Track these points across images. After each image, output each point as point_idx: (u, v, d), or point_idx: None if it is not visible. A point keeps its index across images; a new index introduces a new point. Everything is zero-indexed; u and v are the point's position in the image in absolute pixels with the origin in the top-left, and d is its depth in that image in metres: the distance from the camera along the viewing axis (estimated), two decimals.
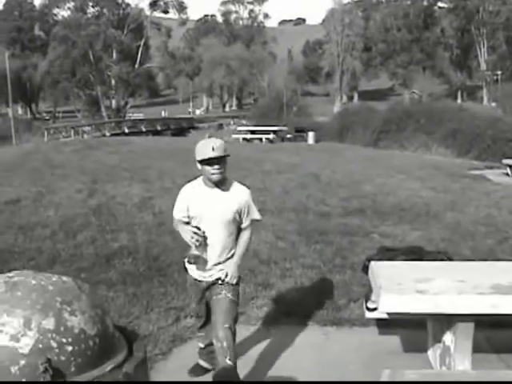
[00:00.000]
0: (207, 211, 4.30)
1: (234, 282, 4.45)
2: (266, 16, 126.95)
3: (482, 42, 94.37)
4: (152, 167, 16.12)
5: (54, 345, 1.85)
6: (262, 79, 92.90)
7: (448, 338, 4.10)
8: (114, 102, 62.85)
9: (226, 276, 4.44)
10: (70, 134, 45.56)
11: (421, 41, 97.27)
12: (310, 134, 36.66)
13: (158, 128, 56.83)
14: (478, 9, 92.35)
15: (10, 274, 2.04)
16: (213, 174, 4.17)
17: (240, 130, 43.75)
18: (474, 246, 8.31)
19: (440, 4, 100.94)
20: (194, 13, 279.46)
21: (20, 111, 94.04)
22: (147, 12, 79.63)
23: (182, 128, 59.88)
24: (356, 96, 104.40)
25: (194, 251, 4.33)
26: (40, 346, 1.84)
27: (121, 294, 6.46)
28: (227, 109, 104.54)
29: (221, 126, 63.35)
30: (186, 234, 4.30)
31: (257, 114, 56.35)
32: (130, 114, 69.81)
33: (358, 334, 5.63)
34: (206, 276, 4.50)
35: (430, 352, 4.67)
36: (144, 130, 53.95)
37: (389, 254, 4.89)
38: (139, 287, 6.68)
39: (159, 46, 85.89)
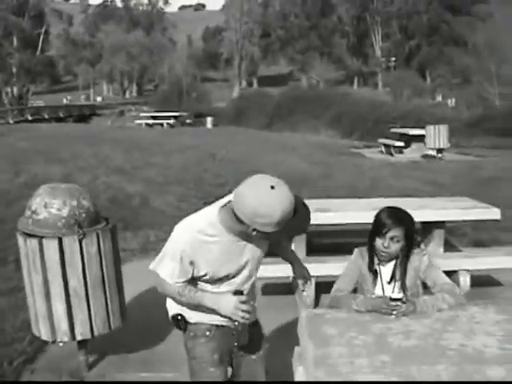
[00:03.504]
0: (244, 268, 2.88)
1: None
2: (166, 2, 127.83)
3: (376, 29, 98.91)
4: (62, 150, 17.49)
5: (77, 212, 3.99)
6: (162, 65, 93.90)
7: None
8: (15, 89, 62.96)
9: (306, 280, 3.20)
10: None
11: (318, 27, 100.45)
12: (209, 119, 38.81)
13: (61, 115, 57.30)
14: None
15: (50, 184, 4.17)
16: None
17: (142, 116, 45.34)
18: None
19: None
20: None
21: None
22: None
23: (84, 115, 60.58)
24: (255, 81, 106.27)
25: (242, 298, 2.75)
26: (71, 213, 3.98)
27: None
28: (127, 95, 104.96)
29: (122, 113, 64.53)
30: (232, 311, 2.71)
31: (158, 100, 57.93)
32: (32, 102, 69.89)
33: None
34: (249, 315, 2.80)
35: None
36: (47, 116, 54.33)
37: None
38: None
39: (60, 34, 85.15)
